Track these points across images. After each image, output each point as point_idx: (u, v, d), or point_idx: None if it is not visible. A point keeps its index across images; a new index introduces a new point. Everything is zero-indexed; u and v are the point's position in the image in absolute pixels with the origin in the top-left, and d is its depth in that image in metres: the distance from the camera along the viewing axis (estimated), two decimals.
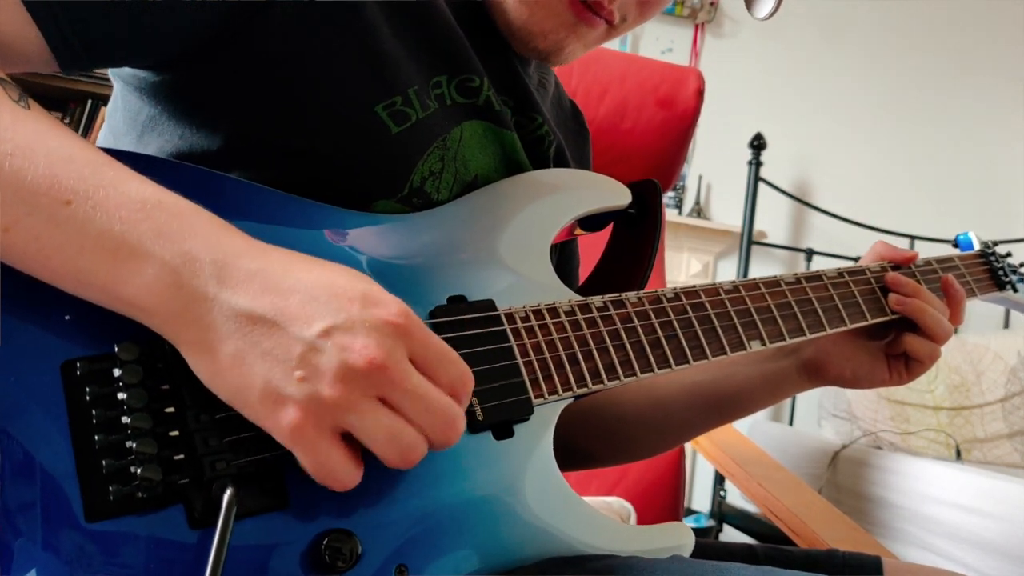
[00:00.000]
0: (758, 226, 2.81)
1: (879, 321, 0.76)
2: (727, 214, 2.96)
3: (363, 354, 0.41)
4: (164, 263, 0.42)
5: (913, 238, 2.82)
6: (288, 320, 0.41)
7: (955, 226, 2.91)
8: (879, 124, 3.12)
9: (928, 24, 3.15)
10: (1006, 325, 2.81)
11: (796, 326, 0.70)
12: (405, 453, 0.42)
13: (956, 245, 0.92)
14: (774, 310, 0.70)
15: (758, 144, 2.69)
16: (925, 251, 2.82)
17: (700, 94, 1.38)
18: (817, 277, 0.75)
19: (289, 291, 0.42)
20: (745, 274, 2.75)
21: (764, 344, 0.68)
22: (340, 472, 0.42)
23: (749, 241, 2.75)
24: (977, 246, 0.91)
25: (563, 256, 0.82)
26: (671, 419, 0.81)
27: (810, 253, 2.80)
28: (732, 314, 0.67)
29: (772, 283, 0.71)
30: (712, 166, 2.98)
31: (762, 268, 2.91)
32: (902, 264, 0.80)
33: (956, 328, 0.79)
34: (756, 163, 2.71)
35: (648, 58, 1.50)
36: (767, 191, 2.75)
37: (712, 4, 3.03)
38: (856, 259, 2.96)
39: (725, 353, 0.65)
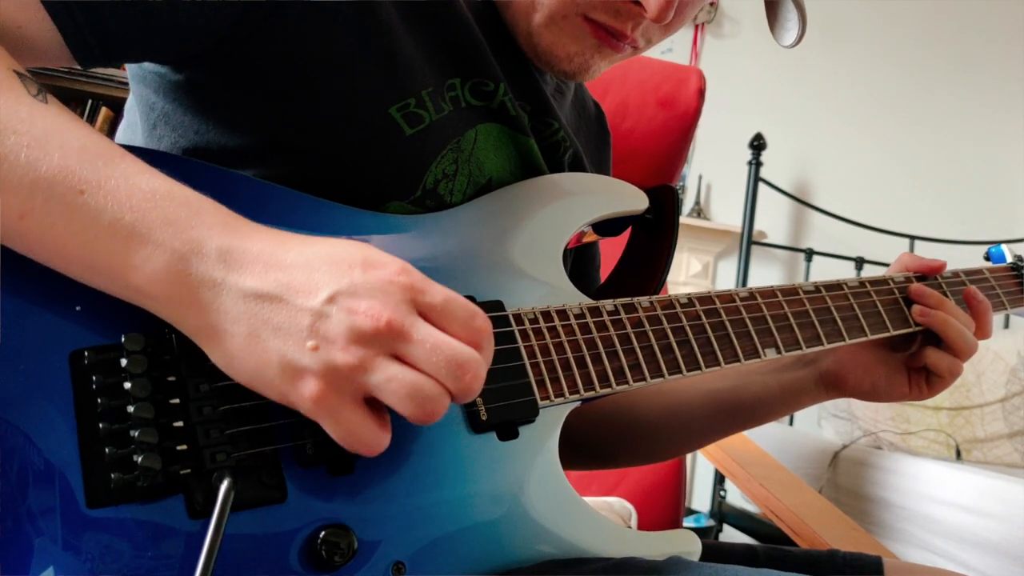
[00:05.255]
0: (758, 226, 2.81)
1: (901, 333, 0.75)
2: (727, 214, 2.96)
3: (369, 315, 0.41)
4: (173, 251, 0.42)
5: (913, 238, 2.82)
6: (293, 293, 0.42)
7: (955, 226, 2.93)
8: (879, 124, 3.12)
9: (928, 24, 3.15)
10: (1006, 325, 2.81)
11: (813, 335, 0.69)
12: (427, 406, 0.42)
13: (988, 258, 0.90)
14: (791, 318, 0.68)
15: (758, 144, 2.69)
16: (925, 251, 2.79)
17: (701, 93, 1.38)
18: (837, 286, 0.73)
19: (291, 266, 0.43)
20: (745, 274, 2.75)
21: (779, 352, 0.66)
22: (366, 436, 0.43)
23: (749, 241, 2.75)
24: (1009, 259, 0.89)
25: (583, 260, 0.82)
26: (689, 425, 0.81)
27: (810, 253, 2.79)
28: (747, 321, 0.66)
29: (790, 291, 0.70)
30: (712, 166, 2.98)
31: (762, 268, 2.91)
32: (928, 275, 0.79)
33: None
34: (756, 163, 2.71)
35: (649, 57, 1.50)
36: (767, 191, 2.74)
37: (712, 4, 3.03)
38: (856, 259, 2.95)
39: (739, 360, 0.64)
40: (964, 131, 3.17)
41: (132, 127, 0.64)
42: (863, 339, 0.72)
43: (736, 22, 3.06)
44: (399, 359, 0.42)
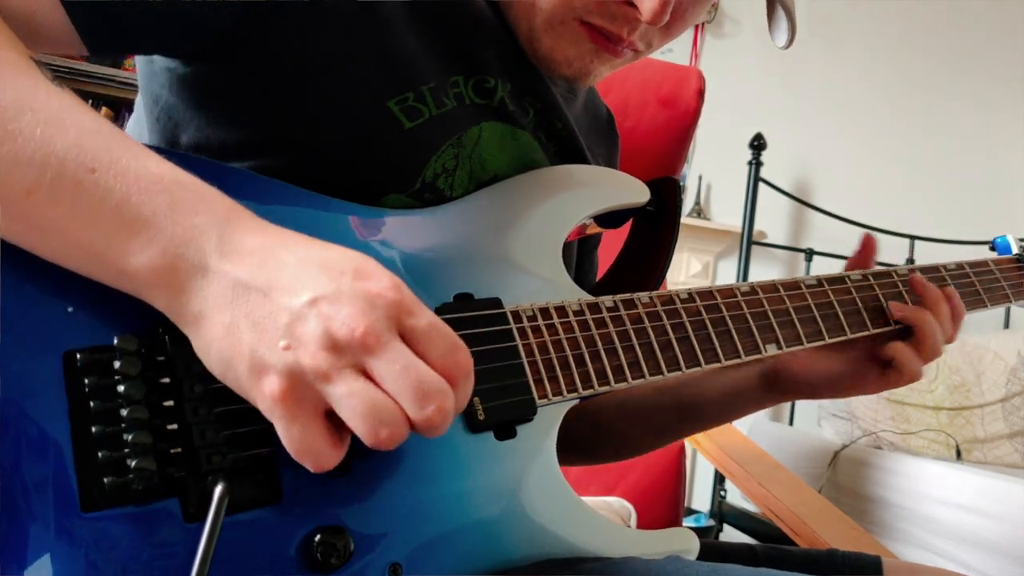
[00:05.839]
0: (758, 226, 2.81)
1: (896, 328, 0.73)
2: (727, 214, 2.96)
3: (345, 323, 0.40)
4: (173, 236, 0.42)
5: (913, 238, 2.81)
6: (277, 290, 0.42)
7: (955, 226, 2.93)
8: (879, 124, 3.12)
9: (928, 24, 3.15)
10: (1006, 325, 2.81)
11: (815, 330, 0.68)
12: (381, 430, 0.40)
13: (993, 248, 0.88)
14: (792, 313, 0.67)
15: (758, 144, 2.69)
16: (925, 251, 2.78)
17: (701, 94, 1.38)
18: (840, 280, 0.72)
19: (284, 264, 0.43)
20: (745, 274, 2.75)
21: (780, 348, 0.66)
22: (316, 449, 0.41)
23: (749, 241, 2.75)
24: (1015, 250, 0.87)
25: (581, 254, 0.82)
26: (645, 425, 0.81)
27: (810, 253, 2.79)
28: (748, 316, 0.65)
29: (792, 285, 0.69)
30: (712, 166, 2.98)
31: (762, 268, 2.91)
32: (861, 262, 0.77)
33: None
34: (756, 163, 2.71)
35: (649, 58, 1.50)
36: (767, 191, 2.74)
37: (712, 4, 3.02)
38: None
39: (739, 356, 0.64)
40: (964, 131, 3.17)
41: (139, 122, 0.65)
42: (865, 333, 0.71)
43: (736, 22, 3.06)
44: (368, 377, 0.41)
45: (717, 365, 0.62)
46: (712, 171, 2.99)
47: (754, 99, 2.99)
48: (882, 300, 0.73)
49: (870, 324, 0.71)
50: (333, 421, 0.42)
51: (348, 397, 0.40)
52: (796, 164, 3.04)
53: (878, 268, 0.76)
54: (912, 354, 0.71)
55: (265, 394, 0.41)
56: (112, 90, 2.11)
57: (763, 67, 3.01)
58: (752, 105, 2.97)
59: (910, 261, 2.79)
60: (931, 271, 0.78)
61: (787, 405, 2.81)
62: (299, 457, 0.42)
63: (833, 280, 0.72)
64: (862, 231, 2.80)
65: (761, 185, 2.72)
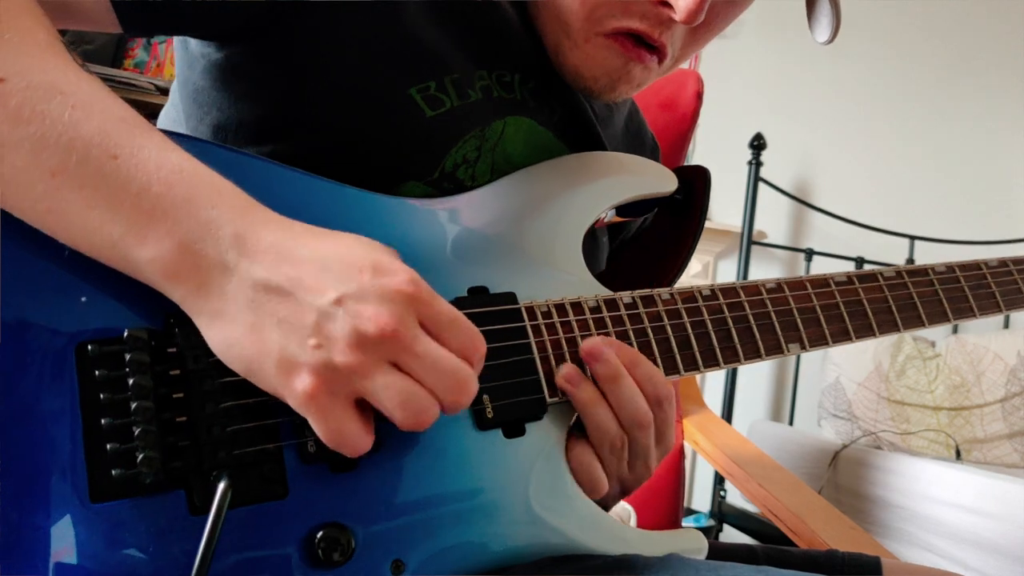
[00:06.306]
0: (758, 226, 2.80)
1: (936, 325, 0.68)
2: (727, 214, 2.96)
3: (375, 321, 0.42)
4: (189, 230, 0.43)
5: (913, 238, 2.81)
6: (302, 290, 0.43)
7: (955, 226, 2.93)
8: (879, 124, 3.12)
9: (928, 24, 3.15)
10: (1006, 325, 2.81)
11: (841, 329, 0.66)
12: (418, 415, 0.44)
13: None
14: (819, 311, 0.65)
15: (758, 144, 2.69)
16: (925, 251, 2.76)
17: (699, 96, 1.38)
18: (872, 277, 0.69)
19: (303, 261, 0.43)
20: (745, 274, 2.75)
21: (804, 348, 0.63)
22: (352, 438, 0.44)
23: (749, 241, 2.74)
24: None
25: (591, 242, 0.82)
26: None
27: (810, 253, 2.80)
28: (772, 314, 0.63)
29: (820, 282, 0.67)
30: (712, 166, 2.96)
31: (762, 268, 2.91)
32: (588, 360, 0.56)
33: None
34: (756, 163, 2.71)
35: None
36: (767, 191, 2.74)
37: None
38: (856, 259, 2.93)
39: (760, 356, 0.62)
40: (964, 131, 3.17)
41: (173, 106, 0.66)
42: (895, 333, 0.68)
43: (736, 22, 3.05)
44: (395, 366, 0.43)
45: (737, 364, 0.61)
46: (712, 171, 2.99)
47: (754, 99, 2.99)
48: (916, 299, 0.69)
49: (900, 324, 0.68)
50: (359, 406, 0.44)
51: (385, 389, 0.43)
52: (796, 164, 3.04)
53: (912, 266, 0.72)
54: (589, 455, 0.56)
55: (297, 391, 0.42)
56: (112, 90, 2.12)
57: (763, 67, 3.01)
58: (752, 105, 2.97)
59: (910, 261, 2.79)
60: (972, 268, 0.74)
61: (787, 405, 2.81)
62: (336, 446, 0.44)
63: (864, 278, 0.69)
64: (862, 231, 2.77)
65: (761, 185, 2.72)
